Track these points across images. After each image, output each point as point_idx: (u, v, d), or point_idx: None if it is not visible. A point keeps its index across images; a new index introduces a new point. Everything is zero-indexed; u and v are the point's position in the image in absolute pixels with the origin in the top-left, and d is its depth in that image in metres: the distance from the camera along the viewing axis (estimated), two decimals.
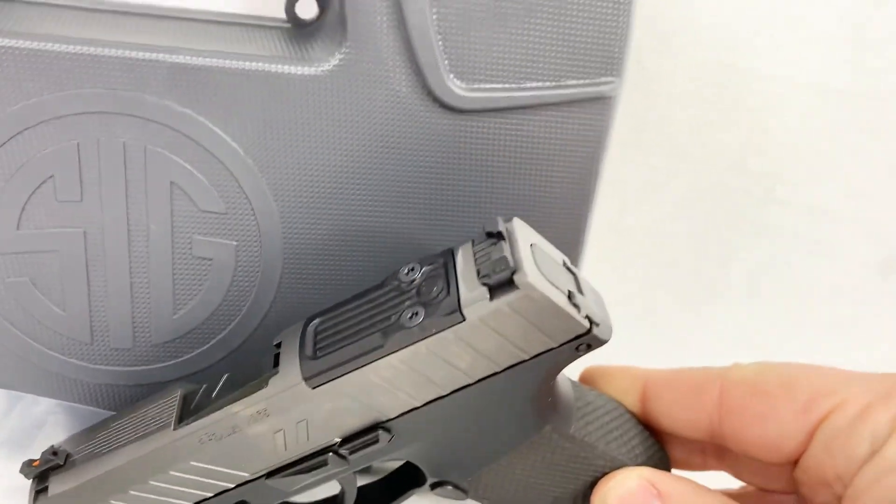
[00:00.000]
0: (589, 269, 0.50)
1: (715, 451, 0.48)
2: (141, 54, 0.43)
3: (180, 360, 0.50)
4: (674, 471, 0.48)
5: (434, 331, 0.38)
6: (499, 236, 0.39)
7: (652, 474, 0.42)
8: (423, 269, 0.41)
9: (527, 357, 0.39)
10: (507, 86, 0.45)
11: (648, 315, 0.68)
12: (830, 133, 0.67)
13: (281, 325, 0.49)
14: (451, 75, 0.45)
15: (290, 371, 0.40)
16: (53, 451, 0.45)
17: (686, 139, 0.67)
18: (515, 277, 0.36)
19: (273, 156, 0.46)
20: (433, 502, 0.48)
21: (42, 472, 0.45)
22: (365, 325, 0.40)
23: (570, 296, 0.38)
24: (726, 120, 0.66)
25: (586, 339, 0.38)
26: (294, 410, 0.40)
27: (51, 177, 0.45)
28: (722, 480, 0.48)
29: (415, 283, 0.40)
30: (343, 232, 0.48)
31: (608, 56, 0.45)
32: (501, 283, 0.37)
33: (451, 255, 0.41)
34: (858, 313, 0.72)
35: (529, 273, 0.36)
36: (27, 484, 0.49)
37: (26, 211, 0.45)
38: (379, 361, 0.39)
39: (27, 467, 0.45)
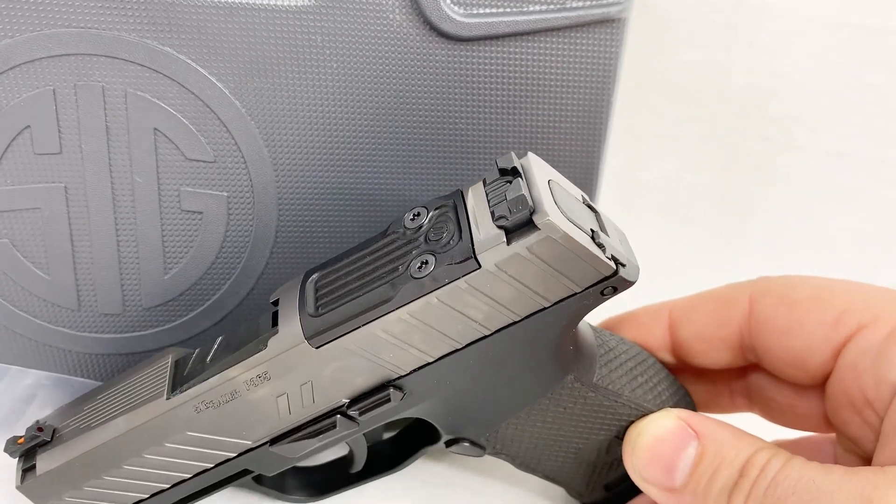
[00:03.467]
0: None
1: (743, 391, 0.46)
2: None
3: (173, 324, 0.47)
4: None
5: (446, 280, 0.34)
6: (513, 173, 0.35)
7: (689, 415, 0.39)
8: (431, 214, 0.37)
9: (548, 304, 0.35)
10: (507, 10, 0.43)
11: (666, 269, 0.65)
12: (849, 72, 0.64)
13: (279, 282, 0.46)
14: (448, 0, 0.42)
15: (291, 330, 0.37)
16: (39, 427, 0.42)
17: (698, 84, 0.64)
18: (535, 217, 0.33)
19: (262, 97, 0.43)
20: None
21: (28, 450, 0.42)
22: (370, 278, 0.36)
23: (593, 235, 0.34)
24: (739, 61, 0.63)
25: (612, 282, 0.35)
26: (297, 372, 0.37)
27: (27, 127, 0.42)
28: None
29: (422, 229, 0.37)
30: (340, 178, 0.45)
31: None
32: (519, 225, 0.33)
33: (460, 196, 0.37)
34: (882, 261, 0.68)
35: (550, 212, 0.33)
36: (13, 462, 0.47)
37: (2, 166, 0.42)
38: (387, 316, 0.35)
39: (12, 445, 0.42)
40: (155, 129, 0.43)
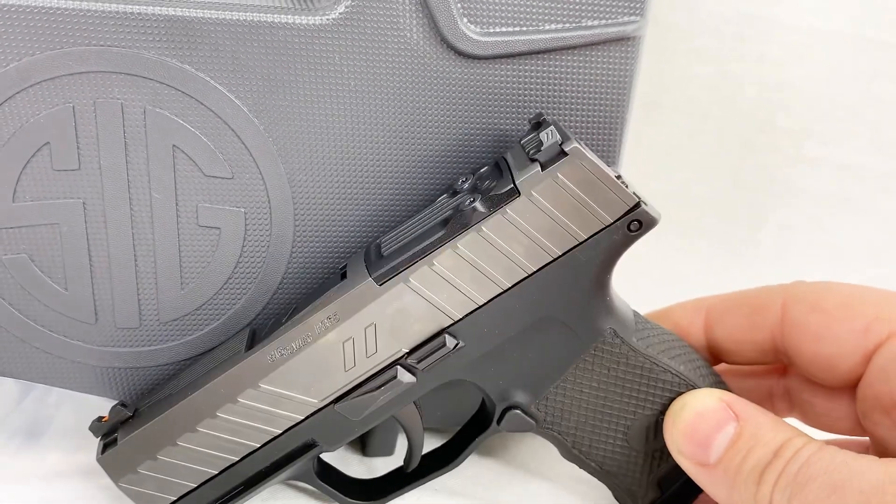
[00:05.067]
0: None
1: (783, 394, 0.47)
2: (136, 8, 0.41)
3: (190, 338, 0.47)
4: None
5: (492, 209, 0.38)
6: (544, 123, 0.40)
7: (730, 397, 0.41)
8: (477, 173, 0.42)
9: (583, 237, 0.39)
10: (523, 28, 0.43)
11: (677, 280, 0.65)
12: (859, 84, 0.64)
13: (295, 296, 0.47)
14: (465, 19, 0.42)
15: (358, 275, 0.40)
16: (123, 404, 0.44)
17: (708, 96, 0.64)
18: (564, 146, 0.38)
19: (279, 114, 0.43)
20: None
21: (111, 427, 0.44)
22: (426, 227, 0.40)
23: (617, 177, 0.39)
24: (750, 74, 0.63)
25: (637, 215, 0.39)
26: (363, 313, 0.40)
27: (46, 144, 0.42)
28: None
29: (469, 184, 0.41)
30: (356, 193, 0.45)
31: None
32: (552, 156, 0.38)
33: (501, 157, 0.41)
34: (892, 272, 0.69)
35: (578, 143, 0.38)
36: (36, 470, 0.48)
37: (21, 182, 0.43)
38: (441, 250, 0.39)
39: (97, 424, 0.44)
40: (174, 145, 0.43)
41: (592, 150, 0.45)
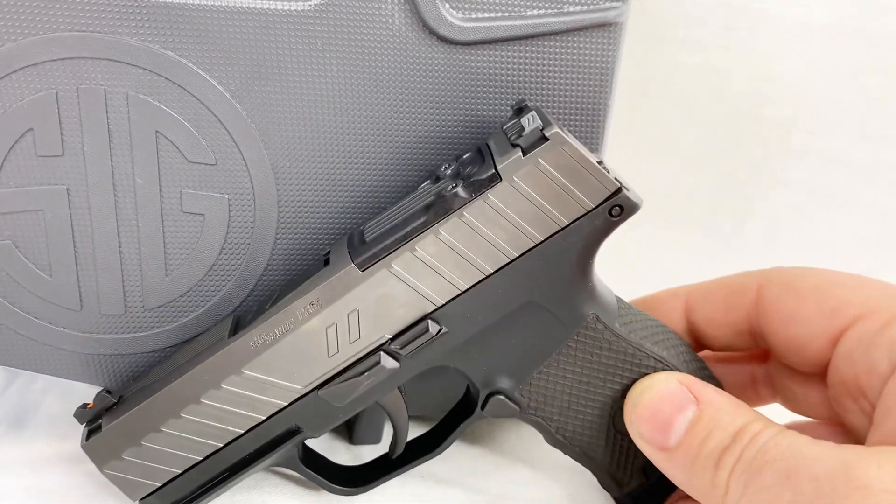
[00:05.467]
0: None
1: (765, 379, 0.47)
2: None
3: (176, 324, 0.47)
4: None
5: (473, 195, 0.38)
6: (526, 109, 0.41)
7: (692, 380, 0.41)
8: (460, 159, 0.42)
9: (564, 222, 0.39)
10: (505, 14, 0.43)
11: (664, 272, 0.65)
12: (845, 76, 0.64)
13: (279, 282, 0.47)
14: (447, 5, 0.42)
15: (341, 261, 0.40)
16: (107, 391, 0.44)
17: (695, 89, 0.64)
18: (545, 131, 0.38)
19: (262, 100, 0.43)
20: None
21: (96, 414, 0.44)
22: (409, 212, 0.40)
23: (599, 162, 0.39)
24: (736, 66, 0.63)
25: (619, 200, 0.39)
26: (345, 298, 0.40)
27: (29, 130, 0.42)
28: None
29: (451, 170, 0.41)
30: (340, 179, 0.45)
31: None
32: (533, 141, 0.38)
33: (484, 143, 0.41)
34: (880, 264, 0.69)
35: (558, 128, 0.38)
36: (22, 458, 0.48)
37: (5, 168, 0.43)
38: (423, 236, 0.39)
39: (82, 411, 0.44)
40: (157, 131, 0.43)
41: (575, 137, 0.45)
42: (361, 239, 0.41)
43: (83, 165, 0.43)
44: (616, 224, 0.40)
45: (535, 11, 0.43)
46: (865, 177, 0.67)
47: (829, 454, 0.34)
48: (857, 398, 0.39)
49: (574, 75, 0.45)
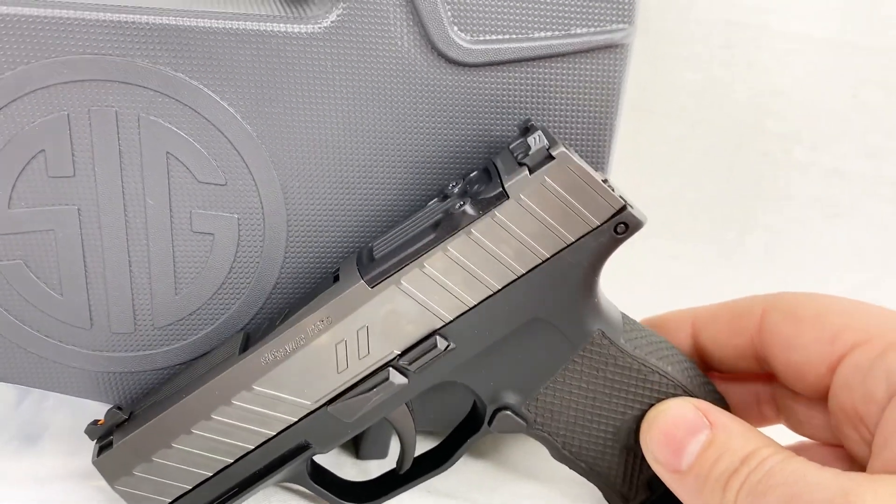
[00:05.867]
0: None
1: (769, 400, 0.47)
2: (129, 17, 0.41)
3: (186, 342, 0.48)
4: None
5: (481, 212, 0.39)
6: (532, 128, 0.42)
7: (706, 406, 0.42)
8: (467, 178, 0.43)
9: (570, 240, 0.40)
10: (513, 36, 0.43)
11: (669, 284, 0.66)
12: (848, 90, 0.65)
13: (288, 299, 0.47)
14: (455, 27, 0.43)
15: (350, 278, 0.41)
16: (118, 407, 0.45)
17: (699, 103, 0.65)
18: (551, 150, 0.39)
19: (272, 121, 0.44)
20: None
21: (107, 430, 0.44)
22: (417, 230, 0.41)
23: (604, 181, 0.40)
24: (739, 81, 0.64)
25: (623, 217, 0.40)
26: (355, 315, 0.41)
27: (41, 151, 0.43)
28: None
29: (459, 188, 0.42)
30: (348, 198, 0.46)
31: (619, 0, 0.43)
32: (539, 160, 0.39)
33: (490, 162, 0.42)
34: (881, 276, 0.69)
35: (565, 147, 0.39)
36: (33, 474, 0.48)
37: (17, 189, 0.43)
38: (432, 253, 0.40)
39: (93, 427, 0.44)
40: (168, 153, 0.43)
41: (582, 157, 0.46)
42: (370, 256, 0.42)
43: (94, 186, 0.44)
44: (621, 241, 0.41)
45: (543, 34, 0.43)
46: (866, 189, 0.68)
47: (830, 482, 0.35)
48: (856, 426, 0.40)
49: (581, 96, 0.45)
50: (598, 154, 0.46)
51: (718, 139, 0.65)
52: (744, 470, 0.37)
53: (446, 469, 0.47)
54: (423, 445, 0.48)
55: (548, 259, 0.40)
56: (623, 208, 0.40)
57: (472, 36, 0.43)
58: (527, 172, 0.39)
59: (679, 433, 0.41)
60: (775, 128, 0.65)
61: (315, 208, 0.46)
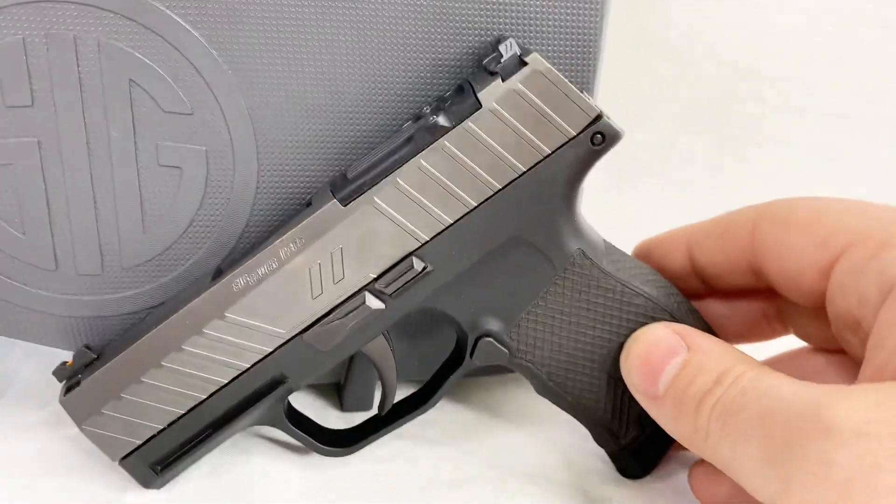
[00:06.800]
0: (596, 189, 0.47)
1: (776, 315, 0.46)
2: None
3: (156, 284, 0.46)
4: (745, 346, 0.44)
5: (454, 123, 0.38)
6: (503, 38, 0.41)
7: (684, 329, 0.40)
8: (440, 98, 0.41)
9: (546, 151, 0.39)
10: None
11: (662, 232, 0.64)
12: (845, 30, 0.62)
13: (261, 239, 0.45)
14: None
15: (323, 199, 0.40)
16: (88, 346, 0.43)
17: (691, 44, 0.63)
18: (524, 57, 0.38)
19: (239, 46, 0.42)
20: None
21: (75, 371, 0.43)
22: (390, 148, 0.40)
23: (580, 91, 0.39)
24: (732, 20, 0.62)
25: (600, 127, 0.39)
26: (329, 235, 0.39)
27: None
28: None
29: (433, 107, 0.41)
30: (321, 128, 0.44)
31: None
32: (512, 67, 0.38)
33: (465, 80, 0.41)
34: None
35: (537, 53, 0.38)
36: (2, 429, 0.46)
37: None
38: (405, 166, 0.39)
39: (61, 368, 0.43)
40: (130, 80, 0.42)
41: None
42: (343, 178, 0.40)
43: (54, 116, 0.42)
44: (599, 154, 0.40)
45: None
46: (864, 133, 0.65)
47: (804, 395, 0.33)
48: (854, 330, 0.38)
49: (563, 18, 0.43)
50: (582, 81, 0.44)
51: (711, 81, 0.63)
52: (717, 390, 0.36)
53: (429, 408, 0.45)
54: (406, 392, 0.46)
55: (524, 173, 0.39)
56: (599, 117, 0.39)
57: None
58: (499, 80, 0.38)
59: (656, 357, 0.39)
60: (770, 70, 0.63)
61: (286, 139, 0.44)
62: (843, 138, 0.65)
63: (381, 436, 0.45)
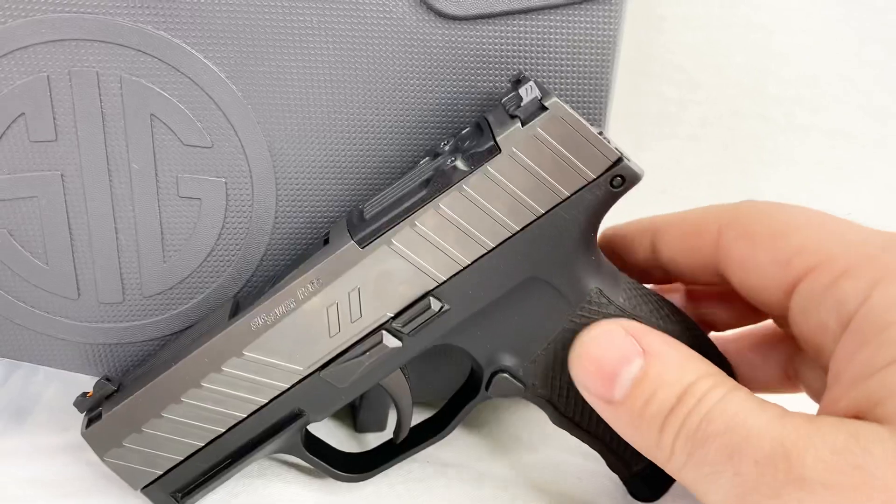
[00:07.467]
0: None
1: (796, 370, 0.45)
2: None
3: (175, 312, 0.47)
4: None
5: (472, 167, 0.38)
6: (524, 80, 0.40)
7: (637, 328, 0.38)
8: (458, 135, 0.41)
9: (566, 194, 0.39)
10: None
11: None
12: (850, 49, 0.63)
13: (279, 266, 0.46)
14: None
15: (340, 239, 0.40)
16: (107, 378, 0.43)
17: (698, 64, 0.63)
18: (544, 101, 0.37)
19: (258, 80, 0.43)
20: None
21: (96, 402, 0.43)
22: (408, 188, 0.40)
23: (599, 133, 0.38)
24: (739, 41, 0.62)
25: (620, 170, 0.38)
26: (346, 276, 0.39)
27: (21, 115, 0.42)
28: None
29: (450, 145, 0.41)
30: (338, 158, 0.45)
31: None
32: (531, 111, 0.37)
33: (482, 117, 0.41)
34: None
35: (557, 97, 0.37)
36: (23, 450, 0.47)
37: None
38: (423, 210, 0.38)
39: (81, 399, 0.43)
40: (151, 114, 0.42)
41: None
42: (360, 216, 0.41)
43: (77, 150, 0.43)
44: (618, 195, 0.39)
45: None
46: (870, 151, 0.66)
47: (772, 430, 0.32)
48: (816, 355, 0.38)
49: (575, 50, 0.44)
50: (594, 110, 0.45)
51: (718, 102, 0.64)
52: (681, 410, 0.35)
53: (444, 437, 0.45)
54: (421, 417, 0.47)
55: (543, 215, 0.39)
56: (619, 160, 0.38)
57: None
58: (519, 124, 0.38)
59: (609, 360, 0.38)
60: (776, 90, 0.64)
61: (304, 170, 0.45)
62: (849, 157, 0.66)
63: (397, 462, 0.46)
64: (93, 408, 0.43)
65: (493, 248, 0.40)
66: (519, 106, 0.38)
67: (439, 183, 0.38)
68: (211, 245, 0.45)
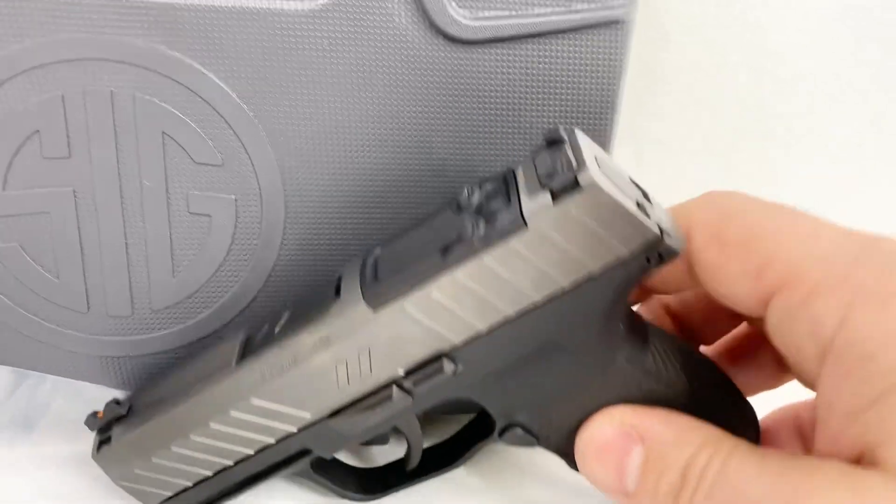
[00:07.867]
0: None
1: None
2: None
3: (184, 326, 0.47)
4: None
5: (496, 241, 0.35)
6: (559, 142, 0.37)
7: (633, 417, 0.38)
8: (484, 188, 0.38)
9: (595, 271, 0.35)
10: (513, 13, 0.43)
11: None
12: (855, 62, 0.63)
13: (288, 283, 0.47)
14: (453, 3, 0.42)
15: (352, 296, 0.38)
16: (117, 401, 0.44)
17: (700, 83, 0.64)
18: (579, 177, 0.34)
19: (268, 100, 0.43)
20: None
21: (106, 423, 0.44)
22: (426, 247, 0.37)
23: (638, 204, 0.35)
24: (741, 59, 0.63)
25: (658, 248, 0.35)
26: (356, 337, 0.38)
27: (36, 132, 0.42)
28: None
29: (474, 201, 0.38)
30: (346, 178, 0.45)
31: None
32: (565, 186, 0.34)
33: (511, 171, 0.38)
34: None
35: (594, 173, 0.34)
36: (31, 460, 0.48)
37: (12, 170, 0.43)
38: (441, 277, 0.36)
39: (92, 419, 0.44)
40: (163, 132, 0.43)
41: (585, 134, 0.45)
42: (374, 273, 0.39)
43: (90, 167, 0.43)
44: (654, 270, 0.36)
45: (543, 10, 0.43)
46: (876, 168, 0.67)
47: (773, 494, 0.32)
48: (797, 373, 0.37)
49: (582, 74, 0.44)
50: (600, 133, 0.46)
51: (721, 121, 0.64)
52: (687, 490, 0.35)
53: (454, 469, 0.46)
54: (433, 428, 0.47)
55: (570, 289, 0.36)
56: (658, 239, 0.34)
57: (471, 12, 0.42)
58: (549, 201, 0.34)
59: (612, 457, 0.37)
60: (779, 108, 0.64)
61: (313, 189, 0.45)
62: (853, 173, 0.66)
63: (406, 487, 0.46)
64: (103, 429, 0.44)
65: (513, 318, 0.37)
66: (551, 175, 0.35)
67: (459, 253, 0.36)
68: (220, 260, 0.46)
